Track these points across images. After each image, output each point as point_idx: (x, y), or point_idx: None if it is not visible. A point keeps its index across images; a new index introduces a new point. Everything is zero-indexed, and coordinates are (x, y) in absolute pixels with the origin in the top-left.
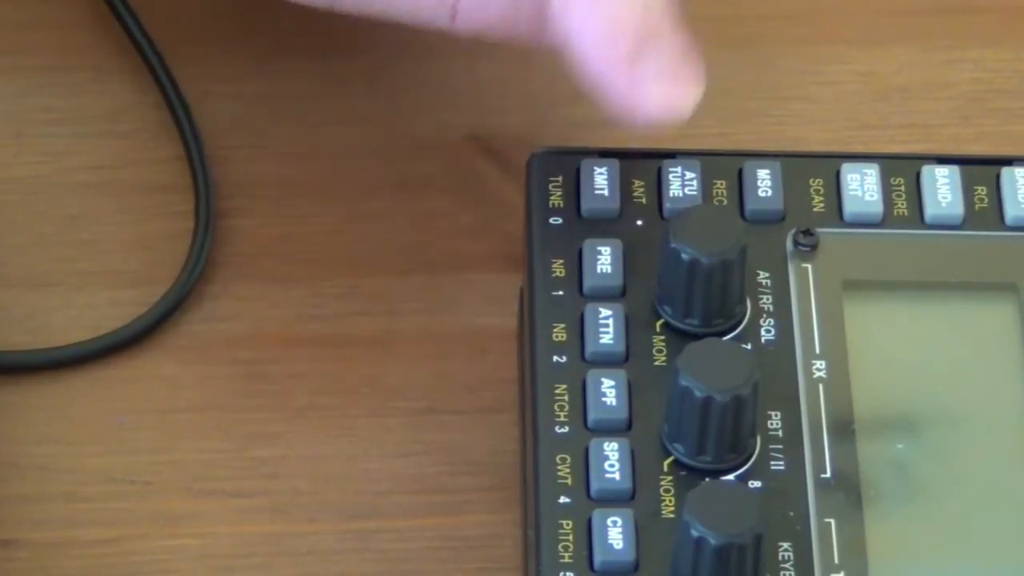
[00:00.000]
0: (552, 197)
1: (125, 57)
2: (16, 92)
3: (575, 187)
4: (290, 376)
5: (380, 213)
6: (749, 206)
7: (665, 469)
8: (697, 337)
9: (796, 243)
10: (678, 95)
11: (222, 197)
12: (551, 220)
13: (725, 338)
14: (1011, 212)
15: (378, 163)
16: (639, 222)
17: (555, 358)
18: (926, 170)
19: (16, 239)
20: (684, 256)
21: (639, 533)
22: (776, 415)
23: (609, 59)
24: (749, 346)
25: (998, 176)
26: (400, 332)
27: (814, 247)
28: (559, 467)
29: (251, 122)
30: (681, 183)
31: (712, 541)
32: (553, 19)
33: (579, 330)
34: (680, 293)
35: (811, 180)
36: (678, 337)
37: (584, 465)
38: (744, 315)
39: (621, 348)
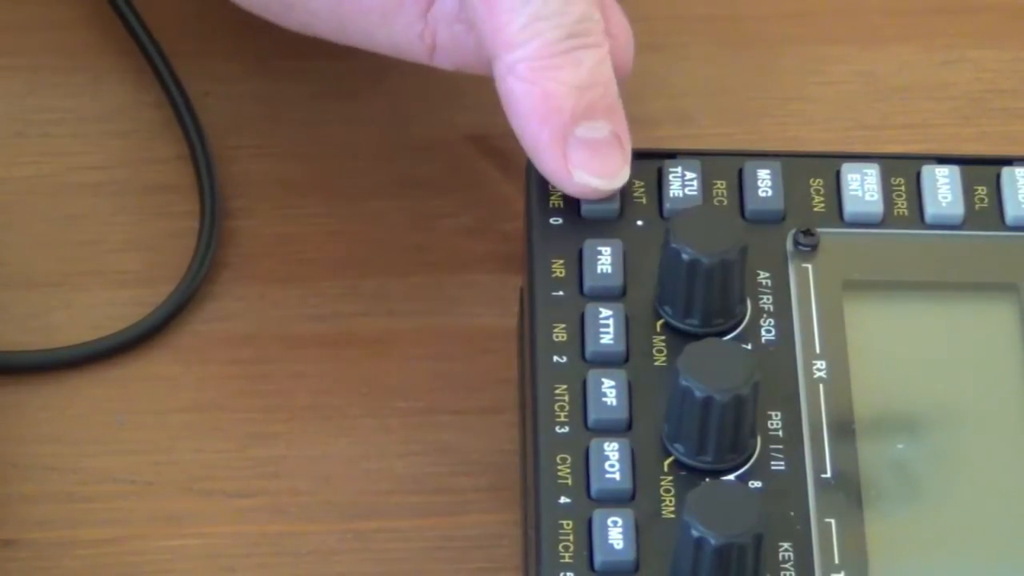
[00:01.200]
0: (552, 197)
1: (125, 57)
2: (16, 92)
3: None
4: (290, 376)
5: (380, 213)
6: (749, 206)
7: (665, 469)
8: (697, 337)
9: (796, 243)
10: (603, 179)
11: (222, 197)
12: (551, 220)
13: (725, 338)
14: (1011, 212)
15: (378, 163)
16: (639, 222)
17: (555, 358)
18: (926, 170)
19: (16, 239)
20: (684, 256)
21: (639, 533)
22: (776, 415)
23: (541, 134)
24: (749, 346)
25: (998, 176)
26: (400, 332)
27: (814, 247)
28: (559, 467)
29: (251, 122)
30: (681, 183)
31: (712, 541)
32: (497, 80)
33: (579, 330)
34: (680, 293)
35: (811, 180)
36: (678, 337)
37: (584, 465)
38: (744, 315)
39: (621, 348)
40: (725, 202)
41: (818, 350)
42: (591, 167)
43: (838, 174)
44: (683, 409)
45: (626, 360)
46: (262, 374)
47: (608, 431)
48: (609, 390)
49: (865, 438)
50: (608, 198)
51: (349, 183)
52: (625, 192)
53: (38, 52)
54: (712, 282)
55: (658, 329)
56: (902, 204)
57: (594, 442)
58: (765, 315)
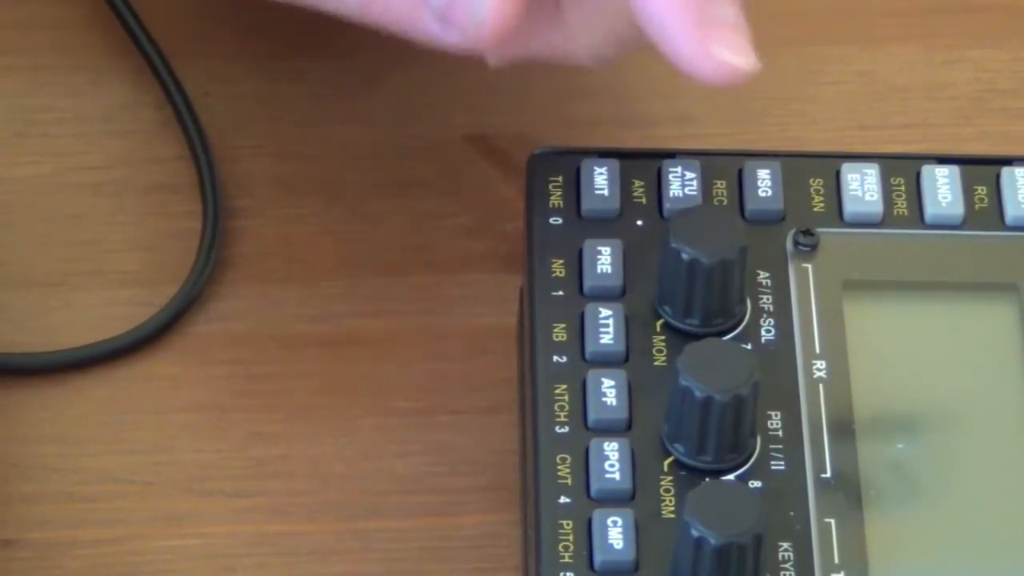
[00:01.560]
0: (552, 197)
1: (125, 57)
2: (16, 92)
3: (575, 187)
4: (290, 376)
5: (380, 213)
6: (749, 206)
7: (665, 469)
8: (697, 337)
9: (796, 243)
10: (743, 58)
11: (224, 197)
12: (551, 220)
13: (725, 338)
14: (1011, 212)
15: (378, 163)
16: (639, 222)
17: (555, 358)
18: (926, 170)
19: (16, 239)
20: (684, 256)
21: (639, 533)
22: (776, 415)
23: (679, 19)
24: (749, 346)
25: (998, 176)
26: (400, 332)
27: (814, 247)
28: (559, 467)
29: (251, 122)
30: (681, 183)
31: (712, 541)
32: None
33: (579, 330)
34: (680, 293)
35: (811, 180)
36: (678, 337)
37: (584, 465)
38: (744, 315)
39: (621, 348)
40: (725, 202)
41: (818, 350)
42: (732, 45)
43: (838, 174)
44: (683, 409)
45: (626, 360)
46: (262, 374)
47: (608, 431)
48: (609, 390)
49: (865, 438)
50: (608, 198)
51: (349, 183)
52: (625, 192)
53: (38, 52)
54: (712, 282)
55: (658, 329)
56: (902, 204)
57: (594, 442)
58: (765, 315)
